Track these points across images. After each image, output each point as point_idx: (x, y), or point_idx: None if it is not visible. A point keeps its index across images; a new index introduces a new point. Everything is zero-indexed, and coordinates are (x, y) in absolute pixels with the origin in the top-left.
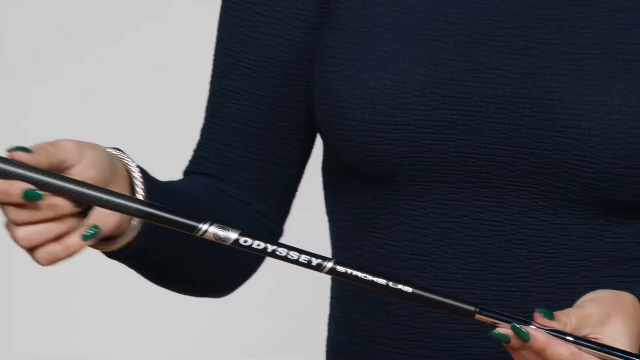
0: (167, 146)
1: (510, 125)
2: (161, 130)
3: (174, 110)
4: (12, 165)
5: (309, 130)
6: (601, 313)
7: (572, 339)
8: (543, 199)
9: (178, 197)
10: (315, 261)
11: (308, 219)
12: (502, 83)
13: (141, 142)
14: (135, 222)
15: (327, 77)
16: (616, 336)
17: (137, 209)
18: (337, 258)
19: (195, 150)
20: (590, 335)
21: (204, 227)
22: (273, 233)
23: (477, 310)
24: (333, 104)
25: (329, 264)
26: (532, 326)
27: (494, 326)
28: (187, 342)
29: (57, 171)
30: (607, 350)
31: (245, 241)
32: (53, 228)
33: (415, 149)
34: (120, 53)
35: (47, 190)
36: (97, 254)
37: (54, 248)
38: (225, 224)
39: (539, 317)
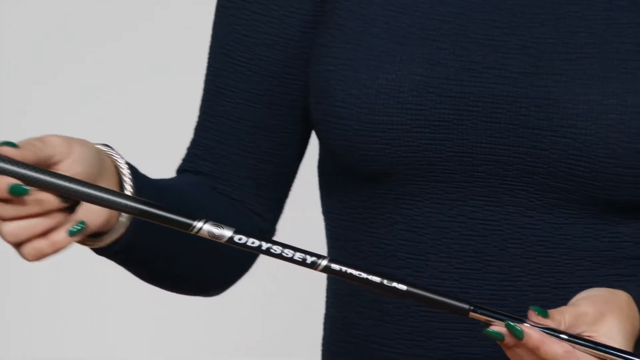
0: (167, 146)
1: (506, 124)
2: (161, 130)
3: (174, 110)
4: None
5: (304, 129)
6: (596, 311)
7: (566, 337)
8: (539, 198)
9: (170, 194)
10: (309, 259)
11: (302, 218)
12: (498, 82)
13: (141, 142)
14: (124, 218)
15: (323, 76)
16: (610, 334)
17: (132, 207)
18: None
19: (189, 149)
20: (585, 334)
21: (198, 224)
22: (266, 232)
23: (472, 308)
24: (329, 104)
25: (324, 262)
26: (526, 324)
27: (489, 324)
28: (182, 342)
29: (44, 166)
30: (601, 348)
31: (239, 239)
32: (40, 223)
33: (411, 149)
34: (120, 53)
35: (33, 185)
36: (92, 256)
37: (40, 244)
38: (218, 222)
39: (533, 315)
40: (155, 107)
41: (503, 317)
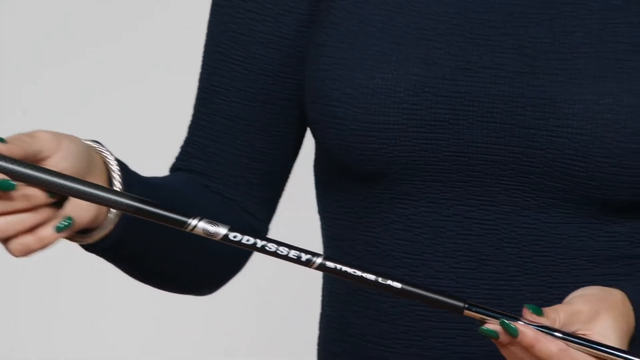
0: (167, 146)
1: (502, 124)
2: (161, 130)
3: (174, 110)
4: None
5: (298, 128)
6: (590, 310)
7: (560, 335)
8: (535, 197)
9: (161, 193)
10: (304, 257)
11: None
12: (494, 82)
13: (141, 141)
14: (112, 215)
15: (318, 76)
16: (605, 333)
17: (127, 204)
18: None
19: (182, 147)
20: (579, 332)
21: (193, 222)
22: (258, 231)
23: (466, 306)
24: (325, 103)
25: (319, 260)
26: (520, 322)
27: (483, 322)
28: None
29: (33, 162)
30: (595, 346)
31: (234, 236)
32: (27, 219)
33: (407, 148)
34: (120, 53)
35: (20, 181)
36: (88, 256)
37: (27, 239)
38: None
39: (527, 313)
40: (156, 107)
41: (498, 315)
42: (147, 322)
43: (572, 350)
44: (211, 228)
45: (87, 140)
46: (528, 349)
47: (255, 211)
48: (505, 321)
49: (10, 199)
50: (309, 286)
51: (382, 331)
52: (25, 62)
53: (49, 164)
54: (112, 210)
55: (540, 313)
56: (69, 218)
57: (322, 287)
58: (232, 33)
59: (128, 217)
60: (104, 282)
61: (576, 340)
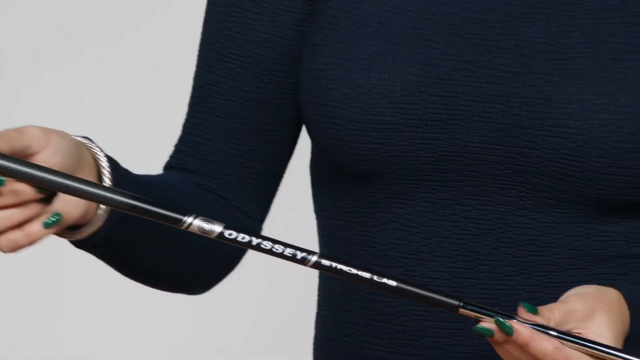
0: (167, 145)
1: (498, 124)
2: (161, 129)
3: (174, 110)
4: None
5: (293, 128)
6: (586, 308)
7: (555, 333)
8: (531, 197)
9: (153, 190)
10: (300, 255)
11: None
12: (490, 82)
13: (141, 141)
14: (102, 211)
15: (315, 75)
16: (600, 332)
17: (121, 201)
18: None
19: (176, 145)
20: (574, 330)
21: (188, 220)
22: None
23: (461, 304)
24: (321, 103)
25: (314, 258)
26: (515, 320)
27: (479, 321)
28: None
29: (22, 157)
30: (590, 345)
31: (230, 234)
32: (15, 214)
33: (403, 148)
34: (120, 53)
35: (9, 176)
36: (81, 253)
37: (15, 235)
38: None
39: (522, 312)
40: (156, 107)
41: (493, 314)
42: (145, 321)
43: (567, 348)
44: (206, 226)
45: (77, 136)
46: (523, 348)
47: (249, 210)
48: (500, 319)
49: None
50: (305, 286)
51: (378, 331)
52: (25, 62)
53: (38, 160)
54: (101, 206)
55: (535, 311)
56: (58, 214)
57: (318, 287)
58: (227, 32)
59: (118, 214)
60: (103, 282)
61: (571, 338)
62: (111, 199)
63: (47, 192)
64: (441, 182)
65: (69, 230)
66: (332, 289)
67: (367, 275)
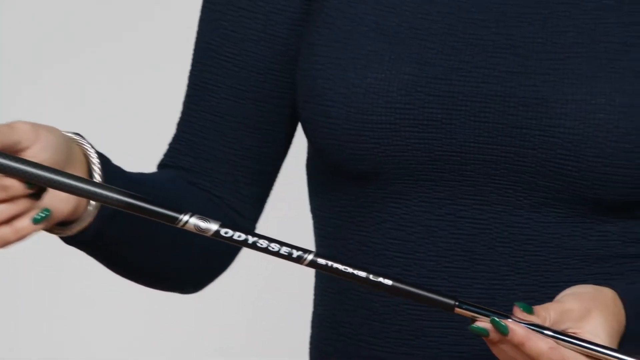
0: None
1: (494, 124)
2: (161, 129)
3: (174, 110)
4: None
5: (289, 127)
6: (581, 308)
7: (551, 333)
8: (527, 197)
9: (145, 188)
10: (295, 253)
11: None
12: (486, 82)
13: (141, 141)
14: (92, 207)
15: (311, 75)
16: (595, 331)
17: (117, 199)
18: None
19: (171, 144)
20: (570, 330)
21: (184, 218)
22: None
23: (457, 303)
24: (317, 103)
25: (310, 256)
26: (511, 320)
27: (474, 320)
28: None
29: (11, 153)
30: (585, 345)
31: (226, 232)
32: (4, 210)
33: (400, 148)
34: (120, 53)
35: None
36: (80, 254)
37: (4, 231)
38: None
39: (518, 312)
40: (156, 107)
41: (488, 313)
42: (143, 321)
43: (562, 348)
44: (202, 224)
45: (68, 132)
46: (518, 347)
47: (243, 209)
48: (496, 319)
49: None
50: (301, 285)
51: (374, 330)
52: (25, 62)
53: (28, 155)
54: (91, 202)
55: (530, 311)
56: (47, 209)
57: (314, 286)
58: (223, 30)
59: (108, 210)
60: (102, 283)
61: (566, 338)
62: (107, 197)
63: (36, 188)
64: (437, 181)
65: (59, 226)
66: (328, 288)
67: (363, 274)
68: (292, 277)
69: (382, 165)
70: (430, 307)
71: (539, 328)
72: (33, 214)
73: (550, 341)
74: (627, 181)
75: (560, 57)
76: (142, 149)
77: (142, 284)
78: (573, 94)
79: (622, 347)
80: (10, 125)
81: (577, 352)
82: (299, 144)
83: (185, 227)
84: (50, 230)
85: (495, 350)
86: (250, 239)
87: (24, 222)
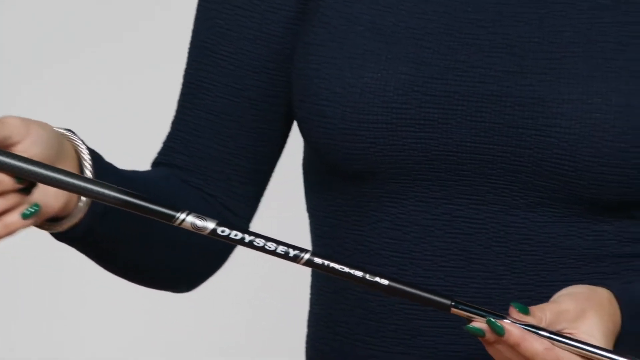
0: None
1: (491, 123)
2: (161, 129)
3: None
4: None
5: (283, 126)
6: (577, 308)
7: (546, 334)
8: (523, 197)
9: (137, 185)
10: (292, 252)
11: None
12: (483, 81)
13: (141, 141)
14: (82, 203)
15: (307, 74)
16: (591, 332)
17: (114, 197)
18: None
19: (165, 142)
20: (565, 330)
21: (181, 216)
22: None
23: (453, 304)
24: (313, 102)
25: (306, 256)
26: (507, 320)
27: (470, 320)
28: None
29: (1, 147)
30: (580, 346)
31: (222, 231)
32: None
33: (396, 148)
34: (120, 53)
35: None
36: (80, 253)
37: None
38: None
39: (514, 312)
40: (156, 107)
41: (484, 314)
42: (141, 321)
43: (557, 349)
44: (199, 222)
45: (59, 128)
46: (514, 348)
47: (236, 208)
48: (492, 319)
49: None
50: (298, 284)
51: (371, 330)
52: (25, 62)
53: (18, 150)
54: (82, 198)
55: (526, 312)
56: (37, 205)
57: (310, 285)
58: (219, 29)
59: (99, 206)
60: (102, 282)
61: (561, 339)
62: (104, 194)
63: (26, 183)
64: (434, 181)
65: (49, 222)
66: (324, 288)
67: (359, 273)
68: (288, 276)
69: (378, 164)
70: (427, 307)
71: (534, 329)
72: (22, 209)
73: (546, 342)
74: (623, 181)
75: (556, 56)
76: (142, 148)
77: (134, 282)
78: (569, 94)
79: (617, 347)
80: (0, 120)
81: (572, 352)
82: (295, 143)
83: (182, 226)
84: (40, 226)
85: (490, 351)
86: (247, 238)
87: (13, 217)
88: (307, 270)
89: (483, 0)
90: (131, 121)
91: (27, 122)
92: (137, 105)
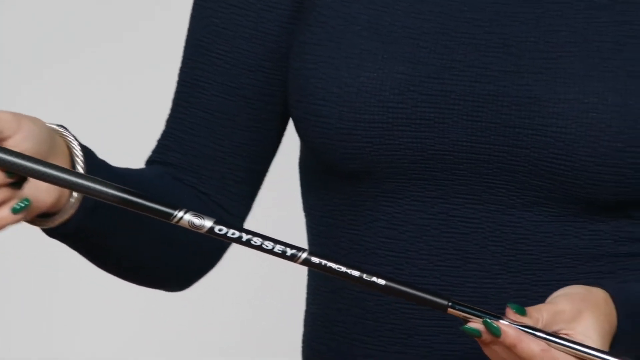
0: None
1: (487, 123)
2: (161, 129)
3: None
4: None
5: (279, 126)
6: (573, 309)
7: (543, 335)
8: (519, 196)
9: (131, 183)
10: (289, 251)
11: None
12: (479, 81)
13: (141, 141)
14: (73, 199)
15: (304, 74)
16: (587, 332)
17: (111, 194)
18: None
19: (159, 140)
20: (562, 331)
21: (179, 214)
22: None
23: (450, 304)
24: (310, 102)
25: (303, 255)
26: (504, 321)
27: (467, 320)
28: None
29: None
30: (576, 347)
31: (220, 229)
32: None
33: (392, 147)
34: (120, 53)
35: None
36: (72, 253)
37: None
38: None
39: (511, 313)
40: (155, 107)
41: (481, 314)
42: (139, 321)
43: (553, 350)
44: (197, 221)
45: (51, 124)
46: (510, 349)
47: (230, 207)
48: (488, 320)
49: None
50: (295, 283)
51: (367, 329)
52: (25, 62)
53: (9, 144)
54: (74, 194)
55: (523, 313)
56: (27, 199)
57: (306, 285)
58: (214, 27)
59: (90, 202)
60: (101, 283)
61: (558, 340)
62: (100, 191)
63: (16, 177)
64: (430, 180)
65: (41, 218)
66: (321, 287)
67: (356, 273)
68: (286, 276)
69: (375, 164)
70: (423, 307)
71: (531, 330)
72: (13, 203)
73: (542, 343)
74: (620, 180)
75: (552, 56)
76: (142, 148)
77: (127, 280)
78: (566, 93)
79: (613, 347)
80: None
81: (569, 354)
82: (292, 143)
83: (179, 224)
84: (32, 221)
85: (487, 351)
86: (245, 237)
87: (4, 212)
88: (304, 270)
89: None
90: (131, 121)
91: (19, 117)
92: (137, 105)
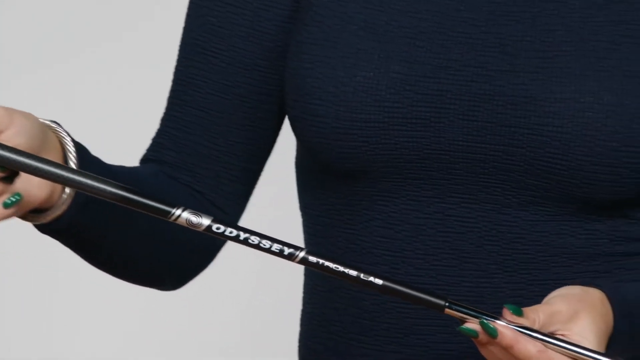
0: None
1: (483, 122)
2: None
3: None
4: None
5: (274, 125)
6: (570, 310)
7: (540, 336)
8: (515, 195)
9: (125, 181)
10: (287, 250)
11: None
12: (475, 80)
13: (141, 141)
14: (66, 194)
15: (300, 73)
16: (584, 333)
17: (109, 191)
18: None
19: (154, 138)
20: (558, 332)
21: (177, 212)
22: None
23: (447, 304)
24: (306, 101)
25: (301, 254)
26: (500, 322)
27: (463, 321)
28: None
29: None
30: (573, 348)
31: (217, 228)
32: None
33: (388, 146)
34: (120, 53)
35: None
36: (72, 253)
37: None
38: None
39: (507, 314)
40: (155, 107)
41: (478, 315)
42: (137, 321)
43: (550, 351)
44: (194, 219)
45: (45, 119)
46: (507, 350)
47: (224, 205)
48: (485, 321)
49: None
50: (294, 283)
51: (364, 328)
52: (25, 62)
53: (1, 139)
54: (66, 189)
55: (520, 313)
56: (18, 194)
57: (303, 284)
58: (210, 26)
59: (82, 197)
60: (100, 283)
61: (554, 342)
62: (98, 188)
63: (8, 172)
64: (426, 180)
65: (34, 213)
66: (318, 287)
67: (353, 272)
68: (284, 275)
69: (371, 163)
70: (420, 306)
71: (527, 331)
72: (4, 198)
73: (539, 344)
74: (616, 180)
75: (548, 55)
76: (142, 148)
77: (120, 278)
78: (561, 93)
79: (610, 347)
80: None
81: (565, 355)
82: (288, 142)
83: (177, 222)
84: (24, 217)
85: (483, 352)
86: (242, 235)
87: None
88: (301, 269)
89: None
90: (131, 121)
91: (11, 111)
92: (137, 105)
